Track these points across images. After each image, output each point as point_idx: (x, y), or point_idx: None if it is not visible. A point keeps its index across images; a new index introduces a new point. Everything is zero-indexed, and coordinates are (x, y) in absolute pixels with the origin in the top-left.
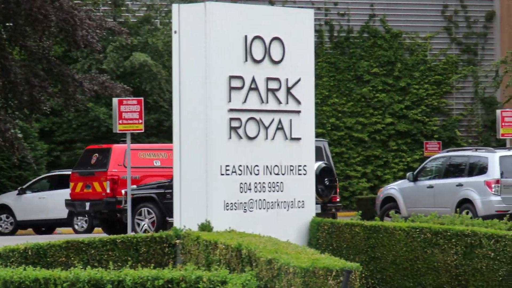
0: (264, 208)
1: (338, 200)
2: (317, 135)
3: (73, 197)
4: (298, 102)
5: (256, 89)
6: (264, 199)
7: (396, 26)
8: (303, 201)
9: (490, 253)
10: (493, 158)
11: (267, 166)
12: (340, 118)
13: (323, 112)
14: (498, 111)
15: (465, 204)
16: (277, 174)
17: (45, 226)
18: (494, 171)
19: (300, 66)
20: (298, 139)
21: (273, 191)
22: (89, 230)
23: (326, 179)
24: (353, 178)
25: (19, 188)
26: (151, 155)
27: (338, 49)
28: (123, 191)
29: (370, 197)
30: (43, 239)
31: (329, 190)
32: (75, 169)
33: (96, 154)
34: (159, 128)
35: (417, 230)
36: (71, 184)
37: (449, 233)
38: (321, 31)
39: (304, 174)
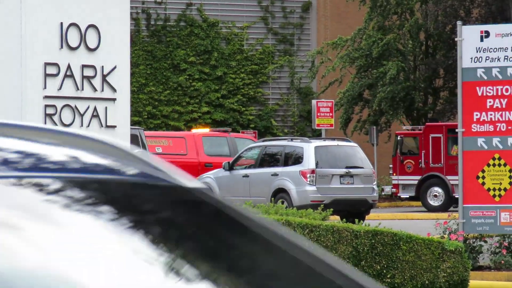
0: None
1: None
2: (134, 123)
3: None
4: (114, 89)
5: (72, 76)
6: None
7: (213, 15)
8: None
9: None
10: (309, 148)
11: None
12: (157, 107)
13: (140, 100)
14: (313, 102)
15: (280, 193)
16: None
17: None
18: (309, 161)
19: (116, 54)
20: (114, 126)
21: None
22: None
23: None
24: None
25: None
26: (154, 142)
27: (155, 38)
28: None
29: None
30: None
31: None
32: None
33: None
34: None
35: None
36: None
37: None
38: (138, 19)
39: None
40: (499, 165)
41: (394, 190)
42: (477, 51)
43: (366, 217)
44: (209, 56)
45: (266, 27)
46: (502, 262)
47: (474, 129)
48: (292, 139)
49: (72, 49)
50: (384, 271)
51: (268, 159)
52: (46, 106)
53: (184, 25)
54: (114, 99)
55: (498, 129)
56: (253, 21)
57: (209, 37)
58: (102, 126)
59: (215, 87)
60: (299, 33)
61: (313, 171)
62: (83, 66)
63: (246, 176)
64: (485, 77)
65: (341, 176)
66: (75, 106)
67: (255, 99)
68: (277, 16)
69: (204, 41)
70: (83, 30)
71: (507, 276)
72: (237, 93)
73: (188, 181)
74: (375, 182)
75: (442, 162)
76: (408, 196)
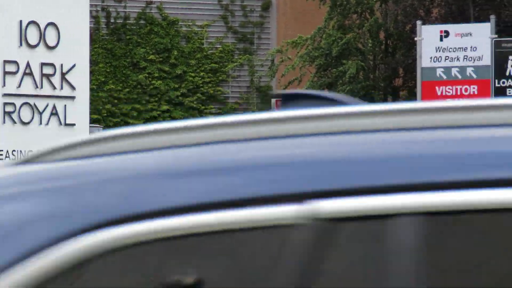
0: None
1: None
2: (93, 121)
3: None
4: (73, 88)
5: (31, 74)
6: None
7: (173, 13)
8: None
9: None
10: None
11: None
12: (116, 105)
13: (99, 98)
14: (273, 100)
15: None
16: None
17: None
18: None
19: (75, 52)
20: (73, 125)
21: None
22: None
23: None
24: None
25: None
26: None
27: (115, 36)
28: None
29: None
30: None
31: None
32: None
33: None
34: None
35: None
36: None
37: None
38: (97, 17)
39: None
40: None
41: None
42: (436, 51)
43: None
44: (169, 55)
45: (226, 26)
46: None
47: None
48: None
49: (31, 47)
50: None
51: None
52: (5, 104)
53: (143, 23)
54: (73, 97)
55: None
56: (213, 19)
57: (168, 36)
58: (61, 124)
59: (175, 86)
60: (259, 32)
61: None
62: (42, 64)
63: None
64: (445, 77)
65: None
66: (34, 104)
67: (215, 97)
68: (237, 15)
69: (163, 40)
70: (42, 28)
71: None
72: (196, 91)
73: None
74: None
75: None
76: None
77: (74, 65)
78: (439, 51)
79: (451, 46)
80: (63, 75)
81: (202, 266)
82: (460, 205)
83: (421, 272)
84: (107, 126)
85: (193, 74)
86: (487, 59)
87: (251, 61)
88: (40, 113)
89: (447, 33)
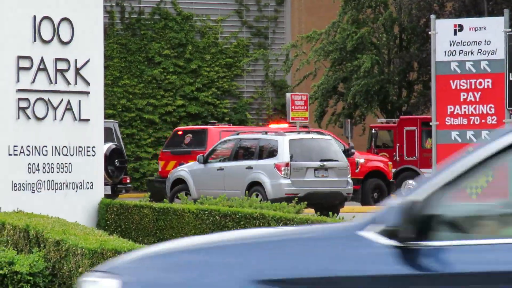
0: (52, 189)
1: (128, 181)
2: (108, 116)
3: (164, 175)
4: (87, 83)
5: (45, 69)
6: (52, 180)
7: (187, 8)
8: (91, 182)
9: None
10: (283, 141)
11: (55, 147)
12: (131, 100)
13: (114, 93)
14: (288, 95)
15: (255, 187)
16: (66, 155)
17: None
18: (283, 154)
19: (89, 47)
20: (87, 120)
21: (62, 172)
22: None
23: (116, 160)
24: (144, 160)
25: None
26: None
27: (129, 31)
28: None
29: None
30: None
31: (119, 171)
32: (165, 149)
33: (190, 135)
34: None
35: (206, 212)
36: (161, 163)
37: (237, 216)
38: (112, 12)
39: (93, 155)
40: None
41: None
42: (450, 45)
43: (341, 210)
44: (184, 49)
45: (241, 21)
46: None
47: (448, 122)
48: (266, 132)
49: (45, 42)
50: None
51: (242, 152)
52: (19, 99)
53: (158, 18)
54: (87, 92)
55: (471, 122)
56: (228, 14)
57: (183, 30)
58: (75, 119)
59: (190, 80)
60: (274, 26)
61: (287, 164)
62: (56, 60)
63: (220, 169)
64: (459, 71)
65: (316, 169)
66: (49, 100)
67: (230, 92)
68: (252, 10)
69: (178, 34)
70: (56, 23)
71: None
72: (211, 86)
73: None
74: (349, 175)
75: (416, 155)
76: None
77: (88, 60)
78: (453, 45)
79: (465, 40)
80: (77, 70)
81: None
82: None
83: None
84: (122, 121)
85: (208, 69)
86: (501, 53)
87: (266, 56)
88: (55, 109)
89: (461, 27)
